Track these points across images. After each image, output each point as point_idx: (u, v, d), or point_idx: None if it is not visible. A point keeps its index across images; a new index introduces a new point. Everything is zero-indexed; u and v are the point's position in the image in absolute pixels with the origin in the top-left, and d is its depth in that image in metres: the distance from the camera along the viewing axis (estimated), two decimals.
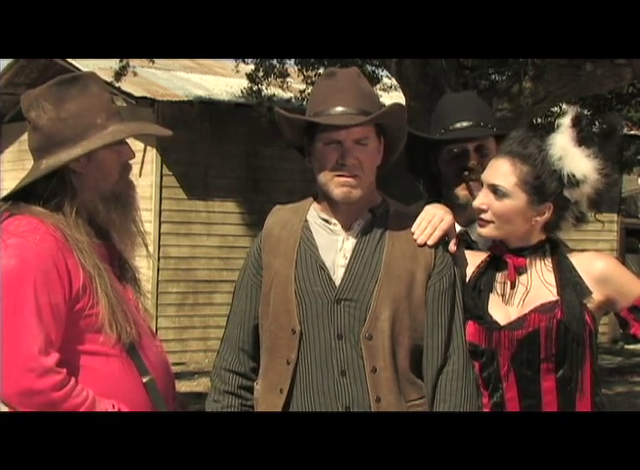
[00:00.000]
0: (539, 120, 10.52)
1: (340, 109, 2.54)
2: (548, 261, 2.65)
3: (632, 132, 12.58)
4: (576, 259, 2.64)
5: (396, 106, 2.65)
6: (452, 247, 2.66)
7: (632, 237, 15.97)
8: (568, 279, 2.60)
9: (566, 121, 2.63)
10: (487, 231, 2.66)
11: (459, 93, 4.14)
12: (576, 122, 2.63)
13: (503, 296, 2.65)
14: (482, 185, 2.68)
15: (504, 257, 2.67)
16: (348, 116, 2.54)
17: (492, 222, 2.63)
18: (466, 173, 3.00)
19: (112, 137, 2.49)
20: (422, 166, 3.16)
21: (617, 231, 14.82)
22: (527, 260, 2.65)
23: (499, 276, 2.68)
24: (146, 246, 2.69)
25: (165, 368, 2.58)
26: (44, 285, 2.34)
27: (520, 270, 2.64)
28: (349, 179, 2.54)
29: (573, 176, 2.58)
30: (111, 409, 2.37)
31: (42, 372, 2.28)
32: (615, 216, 14.63)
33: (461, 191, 3.02)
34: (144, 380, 2.46)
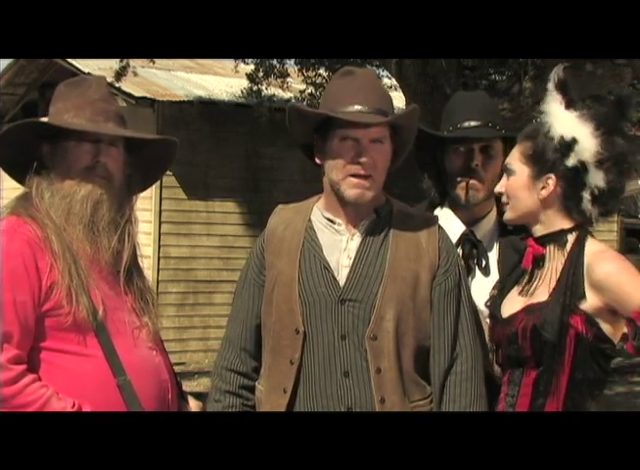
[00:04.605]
0: (539, 120, 10.51)
1: (359, 107, 2.53)
2: (565, 256, 2.60)
3: (632, 132, 12.55)
4: (589, 256, 2.56)
5: (415, 109, 2.65)
6: None
7: (632, 237, 15.96)
8: (565, 280, 2.55)
9: (550, 86, 2.66)
10: (507, 215, 2.70)
11: (470, 92, 4.13)
12: (561, 86, 2.64)
13: (522, 288, 2.67)
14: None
15: (527, 243, 2.68)
16: (369, 114, 2.53)
17: (508, 204, 2.67)
18: (464, 170, 3.00)
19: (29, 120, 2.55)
20: (429, 162, 3.16)
21: (616, 231, 14.81)
22: (547, 250, 2.63)
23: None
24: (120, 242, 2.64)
25: (153, 372, 2.56)
26: (9, 282, 2.37)
27: (538, 260, 2.64)
28: (364, 181, 2.54)
29: (564, 140, 2.58)
30: (69, 408, 2.38)
31: None
32: (615, 216, 14.61)
33: (461, 190, 3.02)
34: (117, 381, 2.45)
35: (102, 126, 2.57)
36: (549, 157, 2.60)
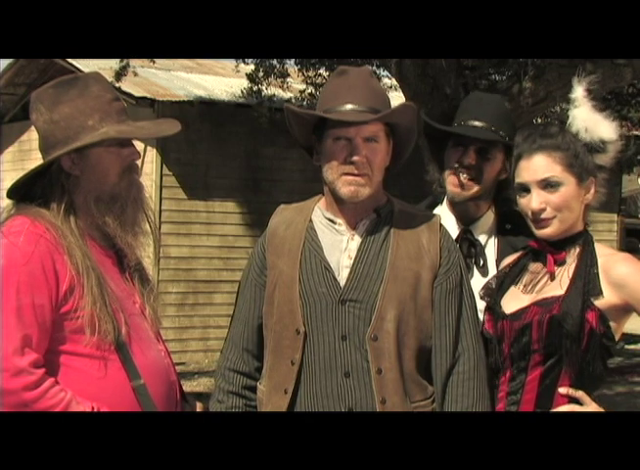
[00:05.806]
0: (539, 120, 10.52)
1: (349, 106, 2.53)
2: (577, 255, 2.64)
3: (632, 132, 12.56)
4: (603, 257, 2.62)
5: (407, 106, 2.63)
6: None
7: (632, 237, 15.98)
8: (581, 275, 2.59)
9: (579, 94, 2.69)
10: (552, 229, 2.64)
11: (487, 94, 4.15)
12: (590, 91, 2.68)
13: (526, 286, 2.67)
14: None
15: (545, 251, 2.68)
16: (358, 113, 2.52)
17: (554, 217, 2.63)
18: (456, 166, 3.01)
19: (91, 139, 2.45)
20: (435, 156, 3.17)
21: (616, 231, 14.82)
22: (565, 253, 2.66)
23: (533, 266, 2.71)
24: (155, 247, 2.66)
25: (164, 374, 2.55)
26: (28, 285, 2.33)
27: (559, 263, 2.66)
28: (358, 178, 2.53)
29: (602, 142, 2.64)
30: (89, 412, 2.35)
31: (15, 372, 2.27)
32: (615, 216, 14.62)
33: (452, 185, 3.03)
34: (133, 384, 2.44)
35: (154, 127, 2.63)
36: (591, 162, 2.65)
